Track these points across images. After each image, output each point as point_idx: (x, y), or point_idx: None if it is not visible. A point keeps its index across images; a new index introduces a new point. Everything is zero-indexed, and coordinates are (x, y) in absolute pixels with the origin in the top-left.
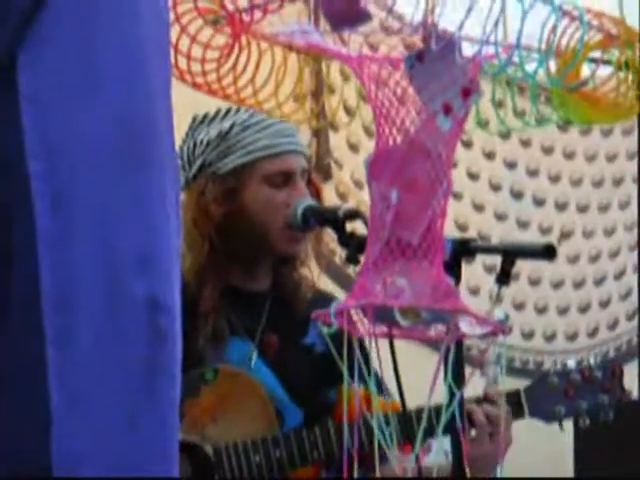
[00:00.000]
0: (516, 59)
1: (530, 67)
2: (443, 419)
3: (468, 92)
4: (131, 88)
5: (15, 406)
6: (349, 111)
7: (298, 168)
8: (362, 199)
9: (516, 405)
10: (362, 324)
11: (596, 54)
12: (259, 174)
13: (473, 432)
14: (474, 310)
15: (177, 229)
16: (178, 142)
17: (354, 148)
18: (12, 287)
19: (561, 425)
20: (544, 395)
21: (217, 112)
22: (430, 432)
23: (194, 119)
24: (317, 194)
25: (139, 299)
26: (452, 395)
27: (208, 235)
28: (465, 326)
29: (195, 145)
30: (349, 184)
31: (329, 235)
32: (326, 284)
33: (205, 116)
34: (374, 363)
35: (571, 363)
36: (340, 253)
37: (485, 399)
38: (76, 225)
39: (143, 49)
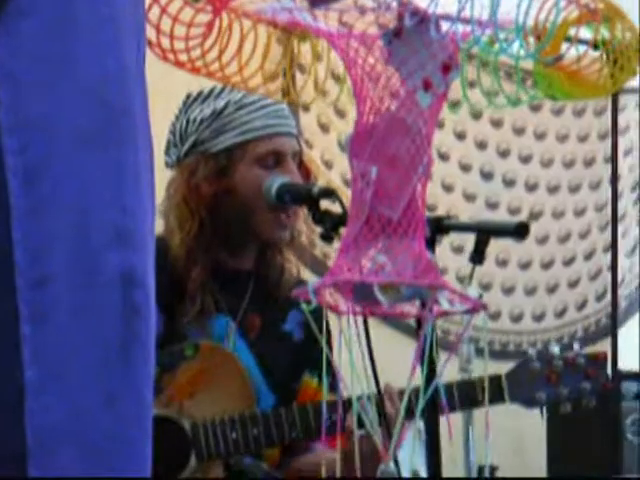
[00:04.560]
0: (492, 35)
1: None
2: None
3: (448, 68)
4: (106, 66)
5: None
6: (321, 92)
7: (289, 150)
8: (331, 179)
9: (497, 390)
10: (340, 303)
11: (581, 31)
12: (251, 155)
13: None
14: (454, 287)
15: (152, 208)
16: (170, 121)
17: (324, 128)
18: None
19: (542, 411)
20: (525, 380)
21: (211, 90)
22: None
23: (188, 96)
24: (307, 177)
25: (114, 274)
26: (430, 376)
27: (198, 213)
28: (444, 303)
29: (188, 123)
30: (319, 164)
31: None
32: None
33: (199, 94)
34: (352, 343)
35: (554, 348)
36: (306, 233)
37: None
38: (50, 201)
39: (119, 28)
